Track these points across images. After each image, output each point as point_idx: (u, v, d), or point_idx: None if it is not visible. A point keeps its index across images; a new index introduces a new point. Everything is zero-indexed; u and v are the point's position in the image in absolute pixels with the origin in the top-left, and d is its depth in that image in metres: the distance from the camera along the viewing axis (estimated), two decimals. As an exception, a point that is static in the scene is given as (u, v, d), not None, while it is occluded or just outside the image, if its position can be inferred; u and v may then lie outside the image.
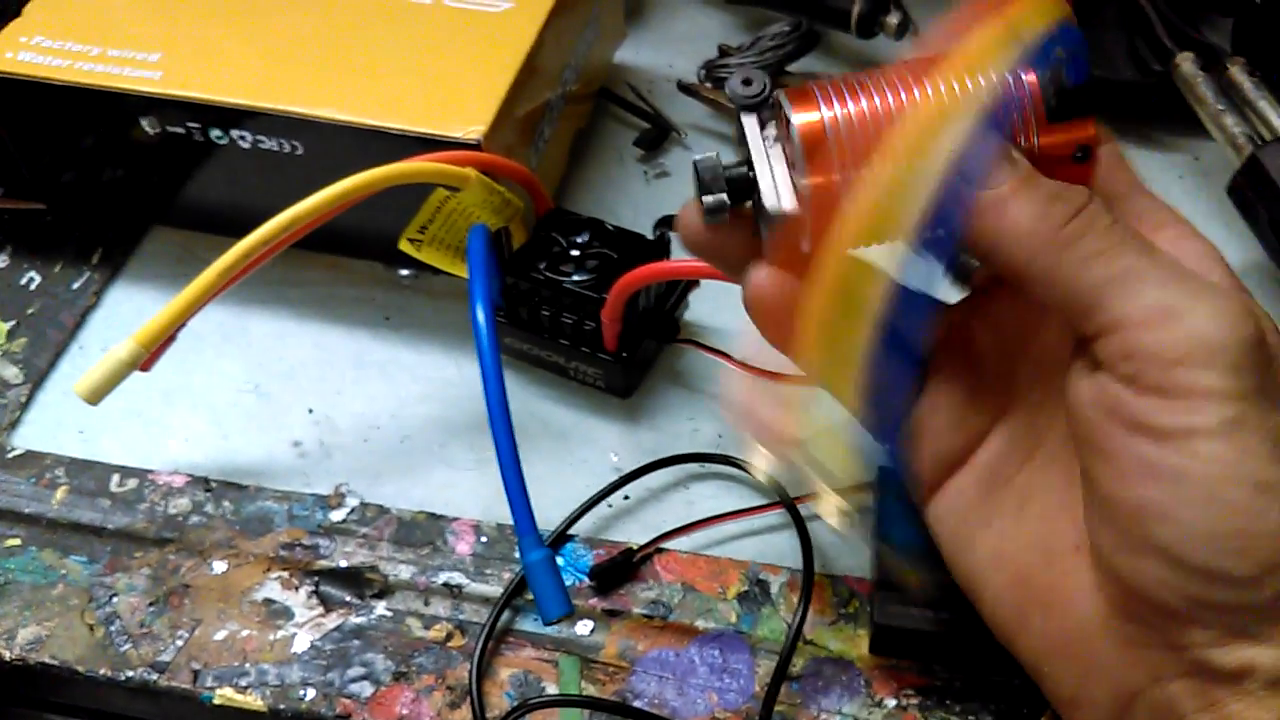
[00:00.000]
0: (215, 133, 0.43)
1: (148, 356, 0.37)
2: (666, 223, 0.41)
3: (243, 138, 0.43)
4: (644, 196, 0.50)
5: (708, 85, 0.52)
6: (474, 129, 0.40)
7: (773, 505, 0.39)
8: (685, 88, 0.52)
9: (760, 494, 0.40)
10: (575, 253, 0.41)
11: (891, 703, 0.35)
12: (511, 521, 0.39)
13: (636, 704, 0.35)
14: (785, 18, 0.52)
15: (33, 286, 0.47)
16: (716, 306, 0.45)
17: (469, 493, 0.41)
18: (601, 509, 0.40)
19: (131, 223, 0.49)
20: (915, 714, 0.35)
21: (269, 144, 0.43)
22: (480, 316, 0.35)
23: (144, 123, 0.44)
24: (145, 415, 0.43)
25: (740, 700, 0.35)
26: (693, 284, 0.44)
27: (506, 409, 0.34)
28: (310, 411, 0.43)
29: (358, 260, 0.47)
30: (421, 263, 0.41)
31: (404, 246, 0.40)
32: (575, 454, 0.41)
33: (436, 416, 0.43)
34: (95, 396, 0.36)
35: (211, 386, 0.44)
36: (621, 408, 0.43)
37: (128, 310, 0.47)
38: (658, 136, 0.52)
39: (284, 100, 0.42)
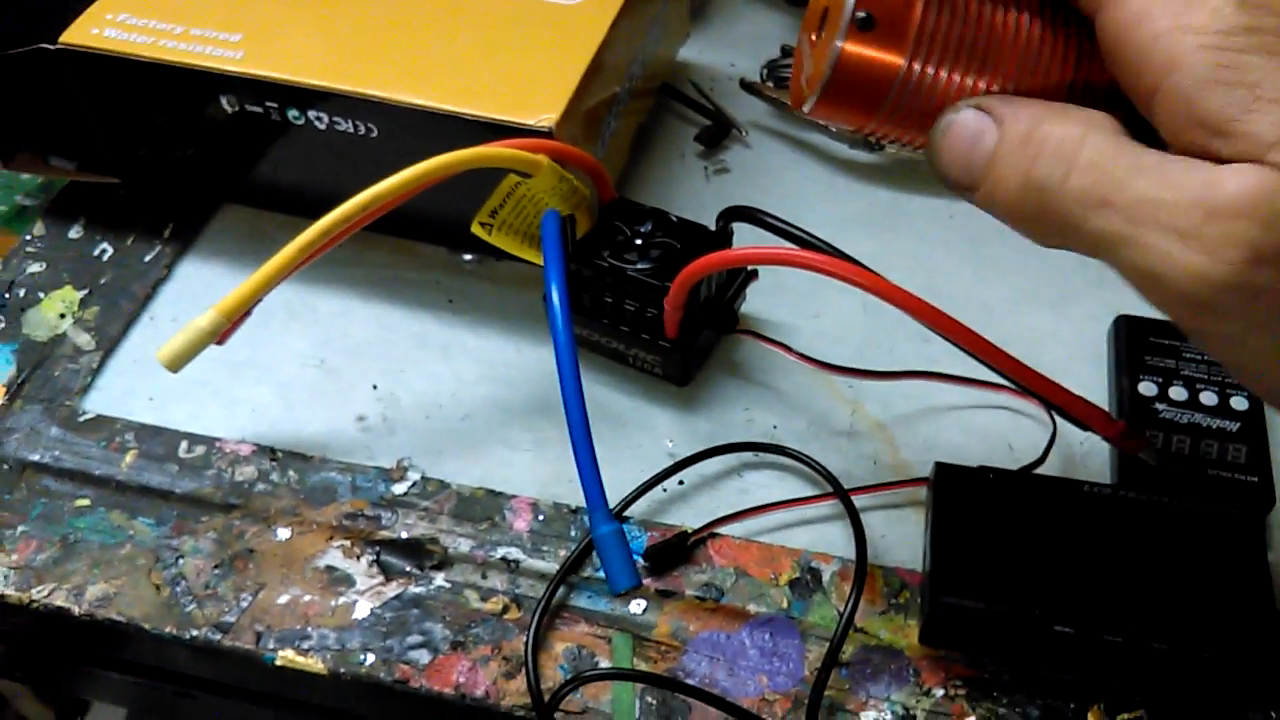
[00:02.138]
0: (292, 113, 0.44)
1: (226, 328, 0.38)
2: (730, 214, 0.42)
3: (319, 119, 0.44)
4: (703, 192, 0.51)
5: (770, 85, 0.53)
6: (546, 117, 0.41)
7: (826, 496, 0.39)
8: (747, 86, 0.53)
9: (813, 484, 0.40)
10: (639, 242, 0.42)
11: (939, 692, 0.35)
12: (568, 501, 0.40)
13: (688, 683, 0.36)
14: None
15: (105, 257, 0.49)
16: (774, 300, 0.45)
17: (526, 472, 0.41)
18: (656, 493, 0.40)
19: (203, 199, 0.51)
20: (963, 704, 0.35)
21: (344, 125, 0.44)
22: (555, 299, 0.36)
23: (223, 101, 0.45)
24: (213, 386, 0.44)
25: (789, 684, 0.36)
26: (752, 276, 0.45)
27: (580, 388, 0.35)
28: (375, 388, 0.44)
29: (423, 244, 0.48)
30: (486, 248, 0.42)
31: (475, 230, 0.40)
32: (632, 439, 0.42)
33: (496, 397, 0.44)
34: (176, 364, 0.37)
35: (278, 360, 0.45)
36: (678, 395, 0.43)
37: (197, 284, 0.48)
38: (718, 133, 0.53)
39: (361, 83, 0.43)
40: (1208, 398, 0.40)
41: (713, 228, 0.43)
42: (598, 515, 0.34)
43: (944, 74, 0.28)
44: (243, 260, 0.48)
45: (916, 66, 0.28)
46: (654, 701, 0.35)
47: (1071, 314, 0.45)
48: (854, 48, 0.27)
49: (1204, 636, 0.34)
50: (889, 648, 0.36)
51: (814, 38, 0.30)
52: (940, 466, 0.38)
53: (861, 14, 0.27)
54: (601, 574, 0.38)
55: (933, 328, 0.35)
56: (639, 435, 0.42)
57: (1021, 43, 0.28)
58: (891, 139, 0.30)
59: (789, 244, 0.39)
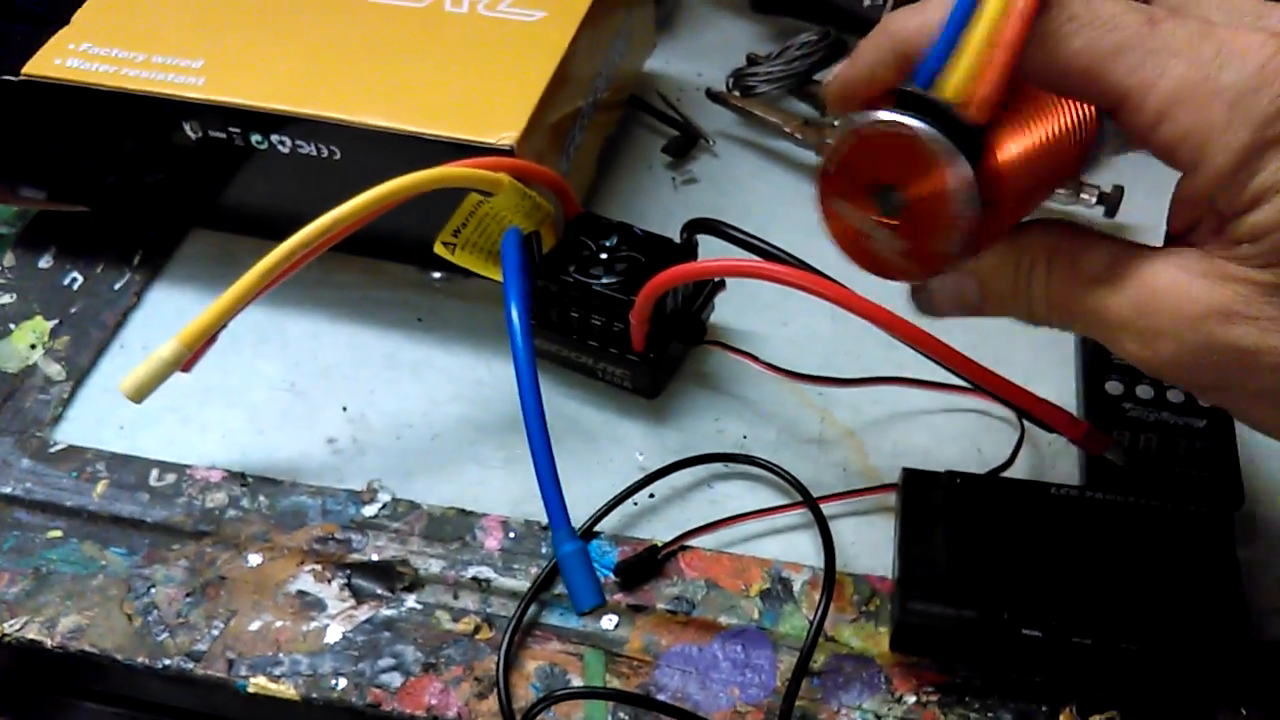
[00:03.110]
0: (255, 138, 0.44)
1: (190, 357, 0.38)
2: (694, 226, 0.42)
3: (282, 143, 0.44)
4: (672, 203, 0.51)
5: (736, 94, 0.53)
6: (507, 135, 0.41)
7: (795, 505, 0.39)
8: (714, 96, 0.53)
9: (783, 494, 0.40)
10: (604, 256, 0.42)
11: (911, 699, 0.35)
12: (539, 518, 0.40)
13: (660, 697, 0.36)
14: (813, 27, 0.53)
15: (75, 286, 0.49)
16: (742, 309, 0.46)
17: (498, 490, 0.41)
18: (627, 507, 0.40)
19: (172, 225, 0.51)
20: (935, 711, 0.35)
21: (307, 149, 0.44)
22: (515, 317, 0.36)
23: (186, 127, 0.45)
24: (184, 412, 0.44)
25: (762, 695, 0.36)
26: (719, 286, 0.45)
27: (540, 405, 0.35)
28: (344, 409, 0.44)
29: (391, 263, 0.48)
30: (454, 266, 0.42)
31: (439, 250, 0.41)
32: (602, 453, 0.42)
33: (467, 416, 0.44)
34: (139, 394, 0.37)
35: (248, 385, 0.45)
36: (648, 408, 0.43)
37: (168, 310, 0.48)
38: (686, 144, 0.53)
39: (322, 106, 0.43)
40: (1174, 395, 0.40)
41: (678, 239, 0.43)
42: (560, 534, 0.34)
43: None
44: (213, 285, 0.48)
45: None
46: (626, 718, 0.35)
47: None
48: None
49: (1174, 635, 0.34)
50: (860, 656, 0.36)
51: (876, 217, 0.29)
52: (908, 472, 0.38)
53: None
54: (573, 591, 0.38)
55: (897, 335, 0.35)
56: (609, 449, 0.42)
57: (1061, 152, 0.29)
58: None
59: (752, 255, 0.39)
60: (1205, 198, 0.26)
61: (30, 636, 0.38)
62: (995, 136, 0.27)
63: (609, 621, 0.38)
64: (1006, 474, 0.39)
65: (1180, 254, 0.27)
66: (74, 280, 0.49)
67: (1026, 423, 0.40)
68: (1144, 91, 0.26)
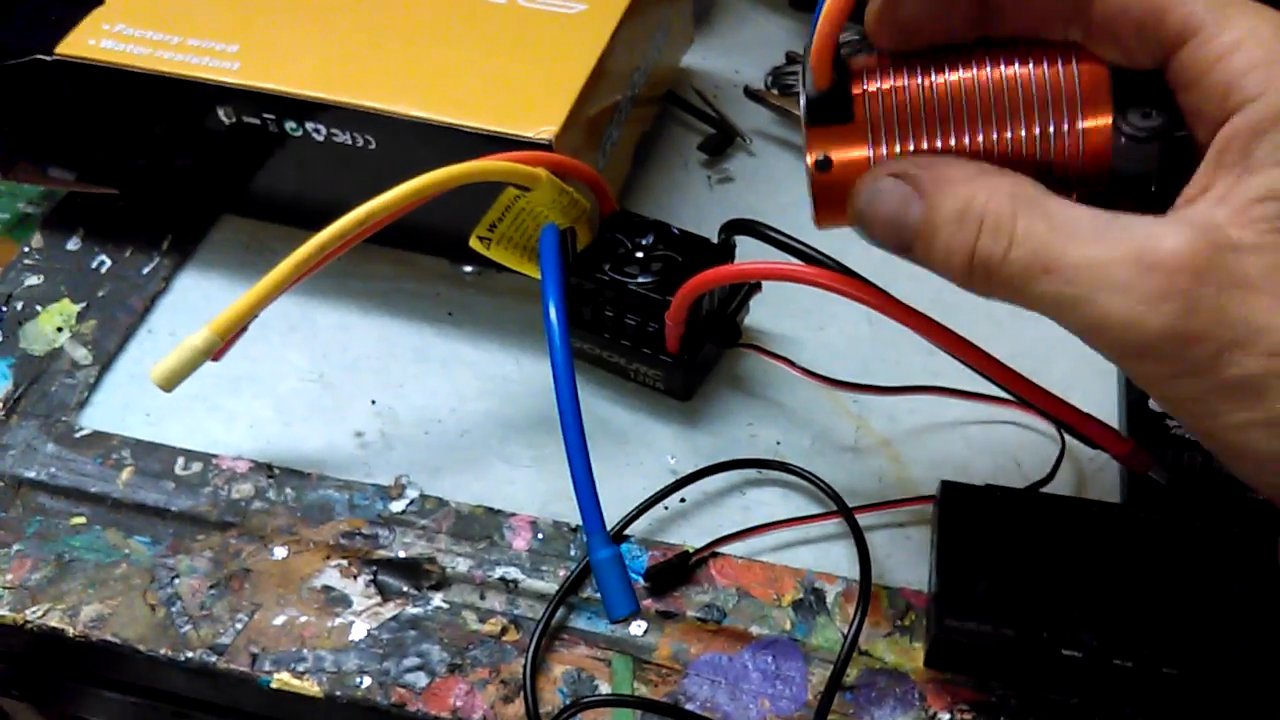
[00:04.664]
0: (290, 124, 0.44)
1: (220, 347, 0.37)
2: (732, 227, 0.41)
3: (317, 130, 0.44)
4: (707, 202, 0.50)
5: (774, 92, 0.52)
6: (545, 129, 0.41)
7: (830, 514, 0.39)
8: (752, 94, 0.52)
9: (817, 502, 0.40)
10: (640, 255, 0.42)
11: (945, 717, 0.35)
12: (568, 519, 0.40)
13: (689, 707, 0.35)
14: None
15: (103, 270, 0.48)
16: (777, 312, 0.45)
17: (526, 489, 0.41)
18: (657, 511, 0.40)
19: (201, 210, 0.50)
20: (969, 729, 0.35)
21: (342, 137, 0.43)
22: (553, 315, 0.35)
23: (220, 112, 0.44)
24: (211, 401, 0.43)
25: (792, 708, 0.35)
26: (755, 288, 0.44)
27: (578, 407, 0.34)
28: (373, 403, 0.43)
29: (423, 255, 0.48)
30: (487, 260, 0.41)
31: (474, 244, 0.40)
32: (633, 455, 0.42)
33: (495, 412, 0.43)
34: (170, 383, 0.37)
35: (276, 375, 0.44)
36: (680, 411, 0.43)
37: (196, 297, 0.47)
38: (722, 142, 0.52)
39: (358, 95, 0.42)
40: (1220, 413, 0.39)
41: (715, 240, 0.42)
42: (595, 539, 0.33)
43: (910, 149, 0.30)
44: (242, 272, 0.48)
45: (883, 152, 0.30)
46: (654, 726, 0.35)
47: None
48: (822, 178, 0.30)
49: (1217, 659, 0.33)
50: (894, 671, 0.36)
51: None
52: (946, 485, 0.37)
53: (819, 156, 0.30)
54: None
55: (938, 344, 0.34)
56: (640, 451, 0.42)
57: (976, 105, 0.29)
58: None
59: (792, 258, 0.39)
60: (1260, 131, 0.25)
61: (52, 624, 0.38)
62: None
63: (638, 628, 0.37)
64: (1046, 489, 0.39)
65: (1185, 213, 0.26)
66: (102, 263, 0.48)
67: (1068, 437, 0.40)
68: (1219, 24, 0.26)
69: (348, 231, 0.37)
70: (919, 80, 0.29)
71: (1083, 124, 0.28)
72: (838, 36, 0.29)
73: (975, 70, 0.29)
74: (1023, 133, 0.29)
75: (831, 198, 0.31)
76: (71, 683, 0.44)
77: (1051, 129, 0.28)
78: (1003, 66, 0.29)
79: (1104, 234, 0.26)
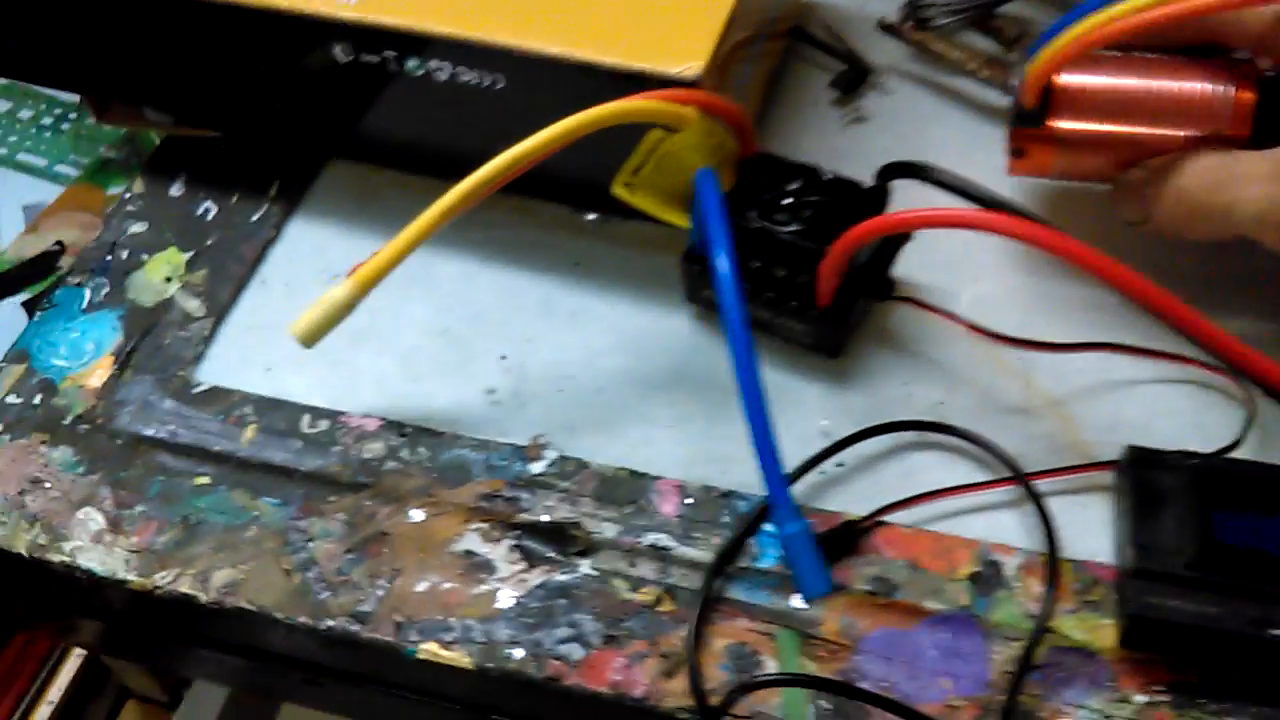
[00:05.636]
0: (411, 63, 0.41)
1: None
2: (892, 171, 0.38)
3: (440, 69, 0.41)
4: (840, 142, 0.47)
5: (910, 25, 0.49)
6: (691, 66, 0.38)
7: (1004, 481, 0.36)
8: (886, 27, 0.49)
9: (983, 467, 0.37)
10: (788, 201, 0.39)
11: (1141, 699, 0.32)
12: (717, 483, 0.38)
13: (863, 685, 0.33)
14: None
15: (210, 217, 0.46)
16: (927, 262, 0.42)
17: (668, 451, 0.39)
18: (812, 476, 0.38)
19: (308, 155, 0.48)
20: (1166, 712, 0.32)
21: (468, 77, 0.41)
22: (724, 268, 0.33)
23: (337, 50, 0.42)
24: (332, 356, 0.41)
25: (974, 688, 0.33)
26: (906, 238, 0.41)
27: (757, 372, 0.32)
28: (503, 358, 0.41)
29: (543, 203, 0.45)
30: (610, 207, 0.39)
31: (618, 191, 0.37)
32: (781, 416, 0.38)
33: (629, 369, 0.41)
34: (312, 339, 0.35)
35: (398, 329, 0.42)
36: (828, 369, 0.40)
37: (307, 246, 0.45)
38: (854, 79, 0.49)
39: (489, 30, 0.39)
40: None
41: (866, 184, 0.40)
42: (782, 512, 0.31)
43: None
44: (354, 220, 0.46)
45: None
46: (829, 705, 0.33)
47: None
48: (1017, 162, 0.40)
49: None
50: (1082, 649, 0.33)
51: None
52: (1134, 450, 0.35)
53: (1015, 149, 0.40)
54: (760, 565, 0.36)
55: (1147, 304, 0.32)
56: (788, 412, 0.39)
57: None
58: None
59: (968, 203, 0.36)
60: None
61: (183, 590, 0.36)
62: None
63: (800, 600, 0.35)
64: (1233, 455, 0.36)
65: None
66: (207, 210, 0.46)
67: (1259, 399, 0.37)
68: None
69: (494, 178, 0.35)
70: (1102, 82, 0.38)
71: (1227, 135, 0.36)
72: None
73: (1150, 81, 0.37)
74: (1181, 134, 0.37)
75: (1023, 170, 0.40)
76: (188, 647, 0.43)
77: (1200, 135, 0.36)
78: (1175, 83, 0.37)
79: (1254, 156, 0.35)
